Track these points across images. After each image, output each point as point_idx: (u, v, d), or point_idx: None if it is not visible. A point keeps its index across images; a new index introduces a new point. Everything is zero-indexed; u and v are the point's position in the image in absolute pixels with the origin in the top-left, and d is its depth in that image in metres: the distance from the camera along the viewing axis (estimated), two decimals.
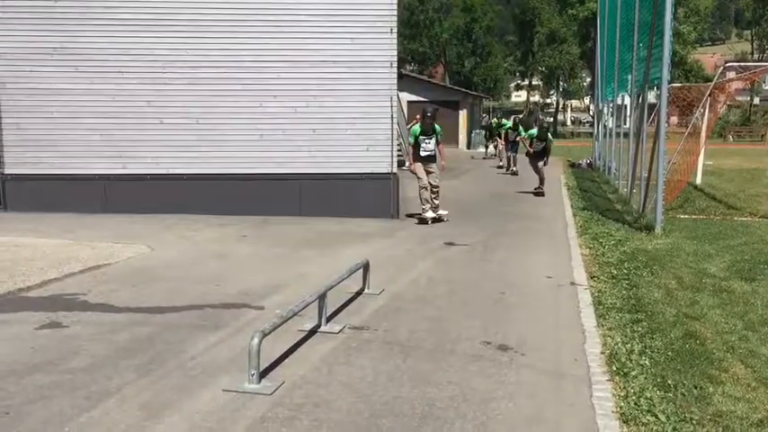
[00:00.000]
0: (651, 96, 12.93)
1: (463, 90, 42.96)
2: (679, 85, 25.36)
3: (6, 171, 10.93)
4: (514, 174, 20.53)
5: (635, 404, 3.95)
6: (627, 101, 18.33)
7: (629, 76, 15.42)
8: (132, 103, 10.83)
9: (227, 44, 10.71)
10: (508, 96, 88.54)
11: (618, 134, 19.01)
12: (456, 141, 36.82)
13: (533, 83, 74.16)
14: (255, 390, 4.04)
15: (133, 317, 5.53)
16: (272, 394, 3.98)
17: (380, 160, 10.88)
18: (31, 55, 10.68)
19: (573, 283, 6.92)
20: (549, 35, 64.72)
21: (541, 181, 15.52)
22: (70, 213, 10.56)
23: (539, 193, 15.28)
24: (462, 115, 38.35)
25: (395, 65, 10.93)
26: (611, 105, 22.03)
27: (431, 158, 10.94)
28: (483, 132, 32.81)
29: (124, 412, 3.73)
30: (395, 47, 10.90)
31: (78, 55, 10.71)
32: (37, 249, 8.05)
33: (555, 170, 22.77)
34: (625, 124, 18.51)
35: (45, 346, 4.82)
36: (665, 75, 9.99)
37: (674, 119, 22.18)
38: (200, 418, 3.68)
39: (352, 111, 10.87)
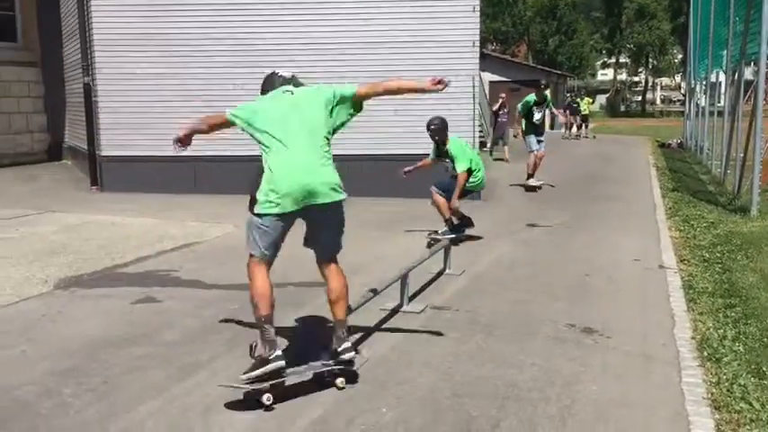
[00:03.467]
0: (748, 73, 12.31)
1: (546, 69, 42.01)
2: None
3: (102, 153, 11.42)
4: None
5: (727, 391, 3.81)
6: (721, 78, 17.51)
7: (725, 52, 14.71)
8: (221, 86, 11.10)
9: (309, 28, 10.83)
10: (594, 75, 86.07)
11: (711, 113, 18.19)
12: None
13: (620, 60, 71.80)
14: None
15: (222, 293, 5.72)
16: (356, 371, 4.04)
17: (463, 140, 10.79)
18: (125, 40, 11.09)
19: (662, 267, 6.71)
20: (638, 10, 62.39)
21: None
22: (162, 194, 10.95)
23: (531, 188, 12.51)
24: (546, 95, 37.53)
25: (477, 44, 10.80)
26: (703, 83, 21.11)
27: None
28: (566, 112, 32.05)
29: (215, 384, 3.86)
30: (478, 26, 10.76)
31: (169, 40, 11.05)
32: (131, 228, 8.41)
33: (642, 151, 22.07)
34: (719, 102, 17.71)
35: (140, 319, 5.04)
36: (764, 50, 9.48)
37: None
38: (288, 390, 3.77)
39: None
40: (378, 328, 4.84)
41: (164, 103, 11.19)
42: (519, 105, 12.54)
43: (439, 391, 3.81)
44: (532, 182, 12.40)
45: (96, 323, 4.94)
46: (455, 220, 7.90)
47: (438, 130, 7.82)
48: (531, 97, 12.20)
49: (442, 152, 7.95)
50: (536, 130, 12.37)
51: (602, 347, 4.51)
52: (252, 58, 10.96)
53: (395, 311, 5.19)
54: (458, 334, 4.73)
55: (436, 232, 7.87)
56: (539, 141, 12.37)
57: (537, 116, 12.31)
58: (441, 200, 7.87)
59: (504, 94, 21.05)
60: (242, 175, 11.14)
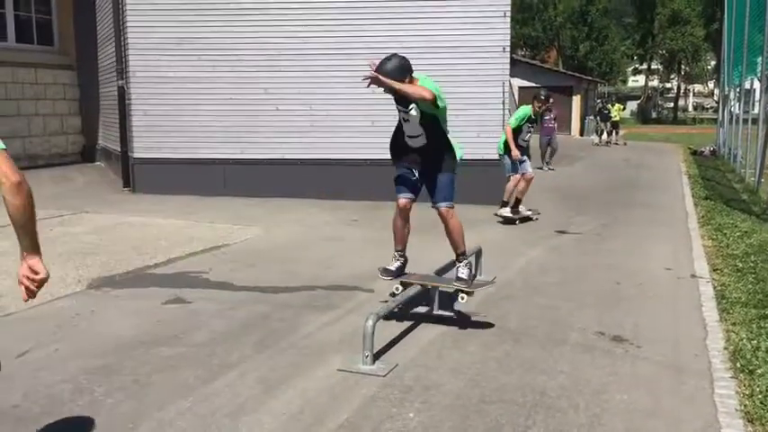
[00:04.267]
0: None
1: (577, 75, 41.71)
2: None
3: (135, 155, 11.57)
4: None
5: (761, 403, 3.74)
6: (755, 85, 17.24)
7: (759, 59, 14.48)
8: (250, 91, 11.20)
9: (339, 32, 10.87)
10: (625, 81, 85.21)
11: (745, 120, 17.92)
12: (569, 128, 35.87)
13: (652, 67, 71.00)
14: (369, 371, 4.11)
15: (250, 295, 5.76)
16: (385, 376, 4.04)
17: (491, 146, 10.75)
18: (158, 45, 11.24)
19: (694, 276, 6.62)
20: (671, 16, 61.63)
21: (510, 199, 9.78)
22: (192, 196, 11.06)
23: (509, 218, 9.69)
24: (576, 101, 37.27)
25: (507, 50, 10.76)
26: (737, 90, 20.79)
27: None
28: (596, 118, 31.76)
29: (243, 385, 3.90)
30: (508, 31, 10.73)
31: (200, 45, 11.17)
32: (162, 229, 8.50)
33: (674, 158, 21.79)
34: (753, 110, 17.43)
35: (170, 319, 5.10)
36: None
37: None
38: (315, 394, 3.80)
39: (464, 97, 10.77)
40: (407, 333, 4.84)
41: (194, 107, 11.32)
42: (511, 118, 9.93)
43: (466, 397, 3.79)
44: (505, 212, 9.65)
45: (127, 323, 5.01)
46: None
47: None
48: (527, 110, 9.60)
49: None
50: (520, 150, 9.61)
51: (631, 356, 4.46)
52: (278, 62, 11.06)
53: (424, 317, 5.18)
54: (486, 340, 4.71)
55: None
56: (521, 162, 9.67)
57: (526, 136, 9.67)
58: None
59: (551, 99, 20.30)
60: (270, 178, 11.36)
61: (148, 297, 5.67)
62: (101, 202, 10.61)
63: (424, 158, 5.06)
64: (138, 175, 11.63)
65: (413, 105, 4.93)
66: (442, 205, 5.04)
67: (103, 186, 12.33)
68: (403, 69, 4.88)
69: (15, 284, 2.56)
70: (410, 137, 5.09)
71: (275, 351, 4.45)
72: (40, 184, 12.17)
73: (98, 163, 15.16)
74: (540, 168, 17.08)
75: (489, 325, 5.04)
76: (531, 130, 9.80)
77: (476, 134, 10.76)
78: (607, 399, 3.79)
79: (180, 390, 3.83)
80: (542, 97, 9.79)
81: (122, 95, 11.59)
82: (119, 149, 11.93)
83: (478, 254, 6.34)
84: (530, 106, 9.68)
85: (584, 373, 4.15)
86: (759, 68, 14.71)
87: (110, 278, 6.22)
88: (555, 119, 18.71)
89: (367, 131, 10.89)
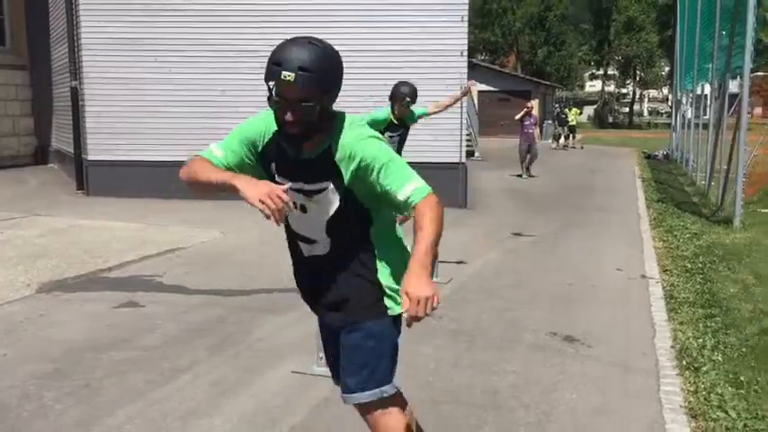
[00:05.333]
0: (733, 86, 12.45)
1: (535, 80, 42.31)
2: (763, 74, 24.28)
3: (89, 157, 11.39)
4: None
5: (705, 399, 3.84)
6: (707, 90, 17.70)
7: (710, 65, 14.87)
8: (207, 92, 11.11)
9: (297, 35, 10.87)
10: (582, 86, 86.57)
11: (697, 125, 18.38)
12: None
13: (609, 72, 72.31)
14: (323, 372, 4.11)
15: (205, 298, 5.71)
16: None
17: (449, 149, 10.86)
18: (112, 45, 11.09)
19: (644, 276, 6.77)
20: (626, 23, 62.90)
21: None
22: (148, 198, 10.92)
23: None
24: (534, 105, 37.73)
25: (465, 54, 10.87)
26: (690, 95, 21.31)
27: None
28: (554, 123, 32.26)
29: (196, 388, 3.87)
30: (465, 36, 10.84)
31: (155, 45, 11.05)
32: (116, 232, 8.38)
33: (629, 161, 22.22)
34: (704, 115, 17.88)
35: (122, 323, 5.03)
36: (748, 63, 9.61)
37: (759, 110, 21.28)
38: (268, 396, 3.79)
39: (421, 99, 10.84)
40: None
41: (150, 108, 11.19)
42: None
43: (420, 397, 3.82)
44: None
45: (78, 327, 4.93)
46: None
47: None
48: (383, 113, 6.08)
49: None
50: None
51: (582, 356, 4.54)
52: (236, 64, 10.99)
53: None
54: (441, 342, 4.75)
55: None
56: None
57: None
58: None
59: (530, 103, 18.80)
60: None
61: (100, 300, 5.59)
62: (53, 204, 10.42)
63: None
64: (91, 178, 11.45)
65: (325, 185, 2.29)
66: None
67: (56, 189, 12.10)
68: (328, 73, 2.20)
69: None
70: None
71: (230, 354, 4.42)
72: None
73: (51, 165, 14.88)
74: (519, 176, 16.57)
75: (445, 327, 5.09)
76: (396, 139, 6.15)
77: (433, 137, 10.85)
78: (556, 397, 3.86)
79: (130, 394, 3.78)
80: (403, 94, 5.93)
81: (75, 96, 11.42)
82: (72, 151, 11.73)
83: (434, 257, 6.38)
84: (387, 108, 6.09)
85: (535, 372, 4.22)
86: (710, 74, 15.10)
87: (61, 282, 6.11)
88: (536, 125, 17.72)
89: None
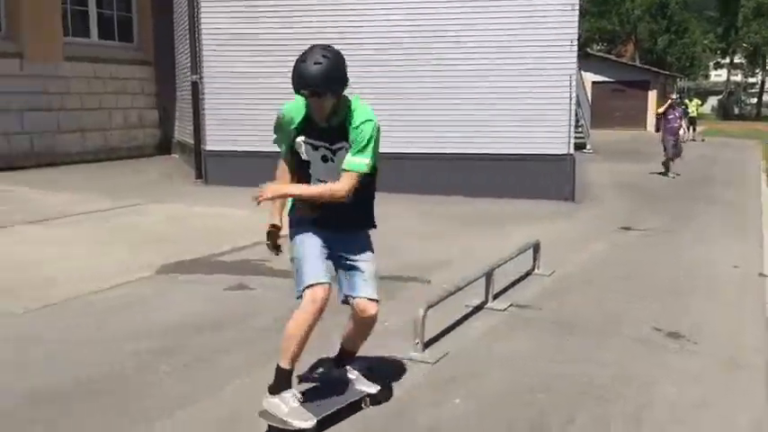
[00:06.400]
0: None
1: (654, 69, 40.56)
2: None
3: (207, 148, 11.96)
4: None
5: None
6: None
7: None
8: None
9: (406, 27, 10.93)
10: (707, 76, 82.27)
11: None
12: (644, 124, 34.96)
13: (735, 61, 68.37)
14: (420, 358, 4.21)
15: None
16: (434, 363, 4.13)
17: (557, 141, 10.66)
18: (231, 41, 11.57)
19: (762, 275, 6.44)
20: (755, 8, 59.25)
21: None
22: None
23: None
24: (652, 96, 36.27)
25: (575, 43, 10.62)
26: None
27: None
28: None
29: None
30: (576, 25, 10.59)
31: (271, 40, 11.42)
32: (231, 219, 8.79)
33: (754, 154, 21.01)
34: None
35: (232, 305, 5.31)
36: None
37: None
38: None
39: (531, 90, 10.71)
40: (460, 323, 4.91)
41: (265, 101, 11.58)
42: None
43: (515, 386, 3.84)
44: None
45: (191, 306, 5.24)
46: None
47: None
48: (295, 108, 3.63)
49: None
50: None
51: (687, 352, 4.41)
52: (347, 54, 11.18)
53: (479, 308, 5.23)
54: (539, 332, 4.73)
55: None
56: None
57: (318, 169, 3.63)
58: None
59: (674, 95, 17.84)
60: None
61: (213, 283, 5.90)
62: (174, 192, 11.02)
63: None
64: (210, 168, 12.01)
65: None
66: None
67: (177, 178, 12.78)
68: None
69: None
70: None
71: (334, 338, 4.57)
72: (119, 175, 12.73)
73: (174, 155, 15.72)
74: (664, 174, 14.87)
75: (544, 318, 5.05)
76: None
77: (542, 129, 10.69)
78: (656, 390, 3.77)
79: (236, 370, 4.01)
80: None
81: (196, 90, 12.00)
82: (192, 142, 12.35)
83: (536, 248, 6.34)
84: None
85: (635, 365, 4.14)
86: None
87: (178, 265, 6.49)
88: (680, 117, 15.95)
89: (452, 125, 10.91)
